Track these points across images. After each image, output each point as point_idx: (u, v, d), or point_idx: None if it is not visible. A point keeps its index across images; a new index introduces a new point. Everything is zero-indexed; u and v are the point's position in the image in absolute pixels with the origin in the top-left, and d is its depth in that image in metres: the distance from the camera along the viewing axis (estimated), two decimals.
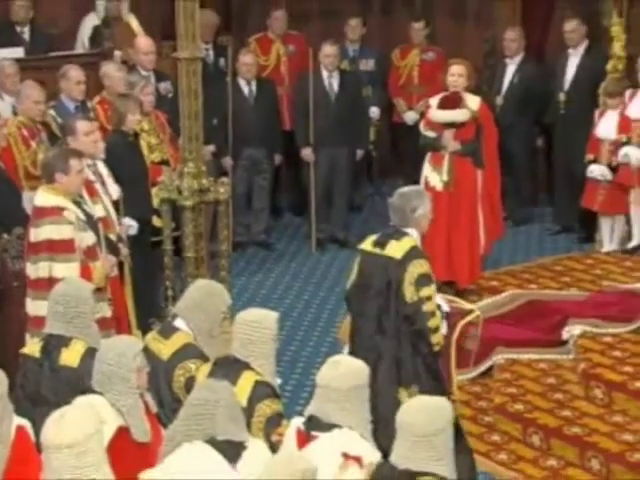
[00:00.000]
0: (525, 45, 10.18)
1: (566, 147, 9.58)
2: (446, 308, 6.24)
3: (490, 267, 8.88)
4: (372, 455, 4.55)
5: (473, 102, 8.71)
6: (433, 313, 6.03)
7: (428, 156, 8.74)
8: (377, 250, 6.18)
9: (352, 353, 6.15)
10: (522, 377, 7.38)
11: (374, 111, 10.65)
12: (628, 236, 9.02)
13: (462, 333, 6.41)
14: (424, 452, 4.21)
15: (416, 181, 8.95)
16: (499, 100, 10.08)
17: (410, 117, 10.52)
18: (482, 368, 7.32)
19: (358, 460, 4.51)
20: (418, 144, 8.96)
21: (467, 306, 6.71)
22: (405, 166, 10.48)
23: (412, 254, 6.05)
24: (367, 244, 6.29)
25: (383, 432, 5.16)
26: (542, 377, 7.37)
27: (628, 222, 9.02)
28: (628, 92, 8.92)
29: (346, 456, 4.52)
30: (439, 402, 4.42)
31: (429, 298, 6.01)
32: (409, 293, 5.99)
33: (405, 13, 11.29)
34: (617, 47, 9.16)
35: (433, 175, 8.68)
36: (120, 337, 5.56)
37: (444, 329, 6.16)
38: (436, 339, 6.07)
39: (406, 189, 6.52)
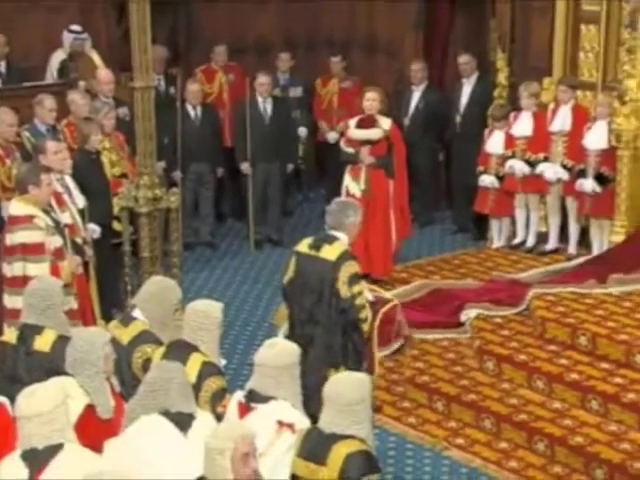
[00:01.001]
0: (427, 75, 10.20)
1: (462, 161, 9.61)
2: (370, 297, 6.24)
3: (400, 262, 8.91)
4: (302, 422, 4.55)
5: (385, 123, 8.75)
6: (363, 306, 5.98)
7: (348, 168, 8.74)
8: (313, 252, 6.06)
9: (288, 338, 6.05)
10: (428, 353, 7.41)
11: (302, 131, 10.63)
12: (513, 234, 9.09)
13: (383, 319, 6.39)
14: (347, 418, 4.23)
15: (338, 190, 8.98)
16: (407, 121, 10.06)
17: (332, 136, 10.50)
18: (395, 346, 7.33)
19: (291, 426, 4.50)
20: (339, 159, 8.97)
21: (386, 295, 6.70)
22: (328, 177, 10.47)
23: (344, 257, 5.97)
24: (303, 246, 6.15)
25: (311, 404, 5.21)
26: (444, 353, 7.41)
27: (513, 223, 9.08)
28: (512, 114, 8.97)
29: (280, 423, 4.51)
30: (360, 377, 4.46)
31: (360, 293, 5.97)
32: (343, 290, 5.91)
33: (326, 49, 11.28)
34: (501, 77, 9.23)
35: (353, 184, 8.69)
36: (91, 328, 5.49)
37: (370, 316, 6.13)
38: (365, 327, 6.02)
39: (344, 199, 6.48)
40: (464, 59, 9.79)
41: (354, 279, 5.93)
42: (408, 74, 10.23)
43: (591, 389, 6.61)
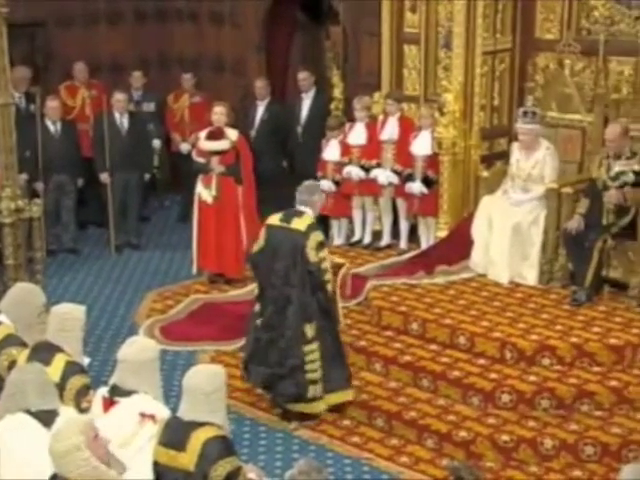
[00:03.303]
0: (270, 91, 10.25)
1: (304, 167, 9.66)
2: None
3: None
4: (163, 412, 4.48)
5: (233, 134, 8.75)
6: (327, 269, 6.39)
7: (200, 177, 8.71)
8: (284, 224, 6.38)
9: (258, 300, 6.47)
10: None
11: (156, 143, 10.50)
12: (351, 233, 9.17)
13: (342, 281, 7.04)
14: (204, 407, 4.19)
15: (191, 197, 8.91)
16: (253, 133, 10.06)
17: (184, 147, 10.40)
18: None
19: (152, 417, 4.43)
20: (192, 168, 8.91)
21: (339, 261, 7.20)
22: (182, 185, 10.36)
23: (312, 227, 6.36)
24: (274, 220, 6.49)
25: (291, 355, 6.23)
26: None
27: (351, 222, 9.19)
28: (348, 125, 9.09)
29: (143, 415, 4.43)
30: (215, 369, 4.42)
31: (325, 259, 6.37)
32: (312, 255, 6.28)
33: (177, 67, 11.19)
34: (337, 92, 9.34)
35: (205, 191, 8.66)
36: None
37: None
38: (329, 287, 6.42)
39: (310, 182, 6.79)
40: (303, 76, 9.88)
41: (320, 246, 6.34)
42: (253, 90, 10.25)
43: (422, 369, 6.77)
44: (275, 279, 6.39)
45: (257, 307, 6.58)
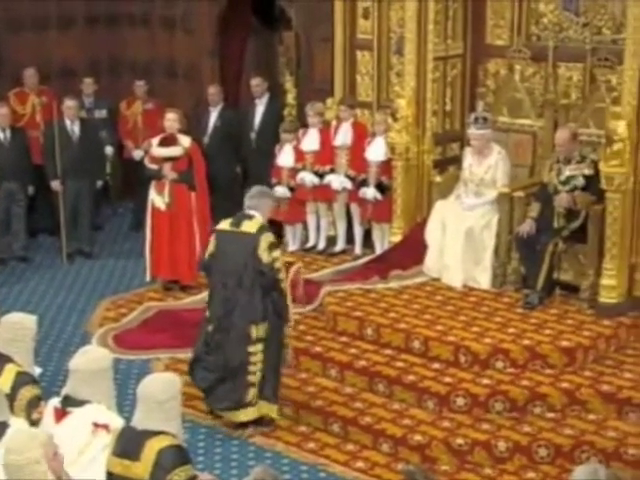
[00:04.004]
0: (224, 97, 10.23)
1: (258, 173, 9.67)
2: None
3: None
4: (117, 422, 4.45)
5: (185, 141, 8.73)
6: (280, 268, 6.40)
7: (153, 184, 8.67)
8: (234, 228, 6.44)
9: (209, 304, 6.52)
10: None
11: (109, 150, 10.43)
12: (306, 239, 9.20)
13: (292, 280, 7.00)
14: (158, 416, 4.17)
15: (144, 204, 8.86)
16: (206, 139, 10.01)
17: (137, 154, 10.34)
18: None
19: (106, 427, 4.40)
20: (144, 175, 8.86)
21: (290, 259, 7.37)
22: (135, 192, 10.29)
23: (263, 229, 6.41)
24: (224, 225, 6.54)
25: (235, 357, 6.29)
26: None
27: (305, 228, 9.22)
28: (301, 131, 9.11)
29: (96, 425, 4.40)
30: (170, 377, 4.40)
31: (278, 258, 6.39)
32: (265, 256, 6.31)
33: (130, 73, 11.13)
34: (290, 98, 9.39)
35: (158, 198, 8.63)
36: None
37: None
38: (284, 285, 6.44)
39: (260, 187, 6.82)
40: (256, 82, 9.87)
41: (273, 246, 6.38)
42: (206, 96, 10.22)
43: (377, 374, 6.80)
44: (228, 280, 6.41)
45: (208, 313, 6.57)
